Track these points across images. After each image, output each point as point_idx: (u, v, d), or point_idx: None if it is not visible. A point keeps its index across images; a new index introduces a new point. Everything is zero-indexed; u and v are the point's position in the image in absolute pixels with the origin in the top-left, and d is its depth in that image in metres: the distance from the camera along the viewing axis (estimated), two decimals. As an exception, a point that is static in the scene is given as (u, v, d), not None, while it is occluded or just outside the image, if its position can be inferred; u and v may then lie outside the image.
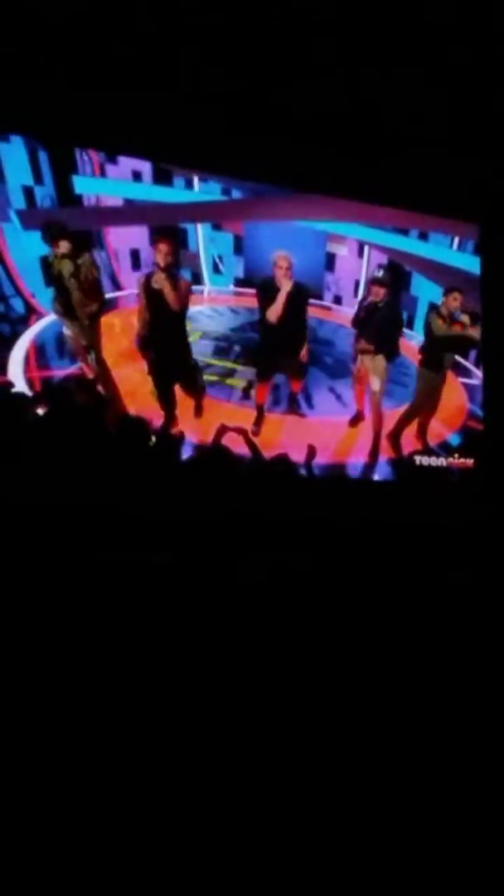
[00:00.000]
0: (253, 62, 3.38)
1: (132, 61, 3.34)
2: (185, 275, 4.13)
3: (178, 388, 3.92)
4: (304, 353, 4.13)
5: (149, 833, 1.07)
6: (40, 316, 3.76)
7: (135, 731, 1.17)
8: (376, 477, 4.26)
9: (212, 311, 4.45)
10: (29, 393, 3.39)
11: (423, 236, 4.82)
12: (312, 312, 4.25)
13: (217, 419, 3.38)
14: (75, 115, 3.45)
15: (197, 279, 4.39)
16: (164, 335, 3.76)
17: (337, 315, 4.70)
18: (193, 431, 3.90)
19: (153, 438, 2.33)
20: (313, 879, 1.06)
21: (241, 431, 2.84)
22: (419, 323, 4.66)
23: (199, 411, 4.03)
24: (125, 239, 4.10)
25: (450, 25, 3.10)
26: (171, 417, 3.86)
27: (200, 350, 4.19)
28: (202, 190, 4.27)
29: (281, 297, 3.86)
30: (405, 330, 4.53)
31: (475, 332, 4.42)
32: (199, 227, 4.38)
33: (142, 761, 1.14)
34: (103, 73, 3.36)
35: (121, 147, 3.90)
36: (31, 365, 3.70)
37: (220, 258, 4.47)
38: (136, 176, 4.08)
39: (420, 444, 4.51)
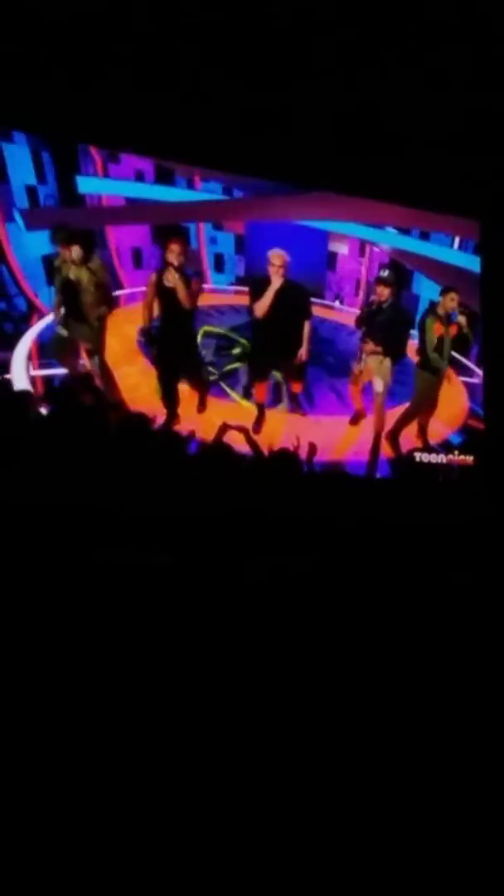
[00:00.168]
0: (253, 62, 3.39)
1: (133, 61, 3.36)
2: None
3: (181, 386, 3.94)
4: (302, 353, 4.12)
5: (150, 833, 1.07)
6: (42, 315, 3.77)
7: (136, 731, 1.17)
8: (377, 475, 4.27)
9: (213, 309, 4.46)
10: (31, 391, 3.41)
11: (425, 236, 4.83)
12: (314, 312, 4.23)
13: (218, 417, 3.39)
14: (77, 112, 3.47)
15: (199, 276, 4.39)
16: (173, 332, 3.80)
17: (338, 314, 4.70)
18: (194, 429, 3.90)
19: (158, 437, 2.34)
20: (313, 879, 1.07)
21: (242, 430, 2.85)
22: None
23: (202, 405, 4.05)
24: (126, 237, 4.11)
25: (450, 25, 3.11)
26: (173, 415, 3.88)
27: (203, 347, 4.20)
28: (204, 189, 4.28)
29: (269, 293, 3.88)
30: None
31: (469, 333, 4.44)
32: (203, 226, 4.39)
33: (143, 761, 1.14)
34: (104, 73, 3.39)
35: (122, 144, 3.91)
36: (34, 363, 3.72)
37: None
38: (139, 175, 4.09)
39: (420, 443, 4.52)
